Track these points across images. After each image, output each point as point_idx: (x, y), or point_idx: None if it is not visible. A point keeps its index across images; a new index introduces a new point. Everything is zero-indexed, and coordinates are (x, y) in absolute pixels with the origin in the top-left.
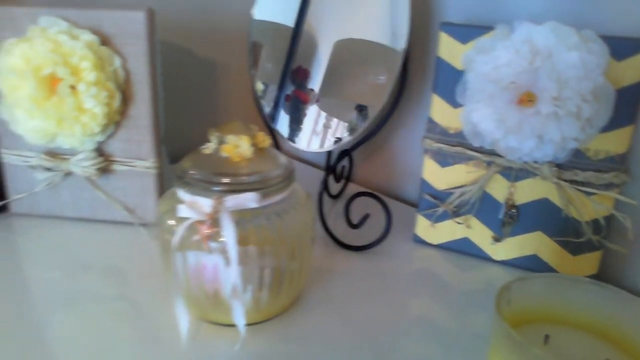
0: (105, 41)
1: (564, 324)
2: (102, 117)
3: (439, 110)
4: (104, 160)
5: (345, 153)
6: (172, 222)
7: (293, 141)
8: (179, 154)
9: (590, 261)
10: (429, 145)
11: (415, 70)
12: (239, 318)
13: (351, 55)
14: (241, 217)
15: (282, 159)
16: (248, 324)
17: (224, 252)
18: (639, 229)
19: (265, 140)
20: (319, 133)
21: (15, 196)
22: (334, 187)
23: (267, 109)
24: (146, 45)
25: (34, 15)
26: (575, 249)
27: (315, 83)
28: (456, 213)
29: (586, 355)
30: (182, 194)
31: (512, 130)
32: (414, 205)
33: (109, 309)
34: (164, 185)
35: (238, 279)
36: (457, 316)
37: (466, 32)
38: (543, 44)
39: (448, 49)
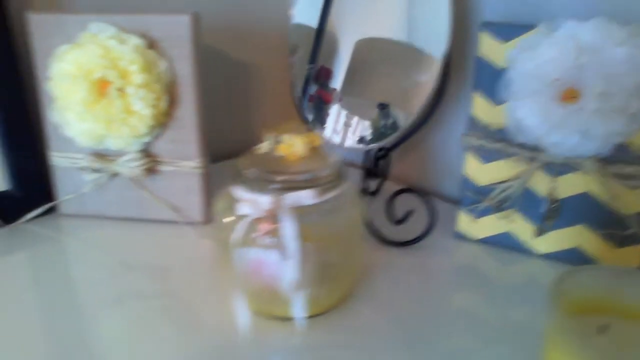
0: (151, 45)
1: (618, 315)
2: (149, 119)
3: (481, 108)
4: (151, 160)
5: (385, 151)
6: (229, 219)
7: (333, 140)
8: (216, 154)
9: (634, 253)
10: (470, 142)
11: (453, 70)
12: (299, 311)
13: (380, 55)
14: (296, 214)
15: (334, 157)
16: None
17: (281, 247)
18: None
19: (317, 139)
20: (349, 130)
21: (63, 197)
22: (370, 184)
23: (307, 109)
24: (191, 48)
25: (84, 22)
26: (619, 241)
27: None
28: (499, 208)
29: None
30: (240, 192)
31: (556, 126)
32: (450, 201)
33: (157, 306)
34: (208, 184)
35: (297, 273)
36: (500, 310)
37: (508, 30)
38: (588, 40)
39: (489, 48)
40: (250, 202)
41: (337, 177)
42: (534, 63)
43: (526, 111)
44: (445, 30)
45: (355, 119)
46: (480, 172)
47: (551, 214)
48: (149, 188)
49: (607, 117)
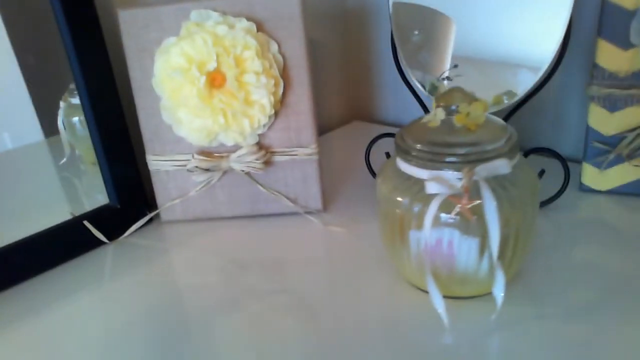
0: (259, 27)
1: None
2: (269, 108)
3: (607, 55)
4: (266, 152)
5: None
6: (400, 199)
7: None
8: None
9: None
10: (596, 91)
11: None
12: (499, 289)
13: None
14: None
15: (504, 124)
16: (481, 295)
17: (459, 225)
18: None
19: (486, 105)
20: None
21: (167, 204)
22: None
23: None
24: (301, 27)
25: (183, 11)
26: None
27: None
28: (630, 156)
29: None
30: (415, 170)
31: None
32: (569, 158)
33: (277, 304)
34: (322, 169)
35: (496, 249)
36: (630, 261)
37: None
38: None
39: None
40: (438, 180)
41: (515, 145)
42: None
43: None
44: None
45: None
46: (608, 121)
47: None
48: (262, 181)
49: None
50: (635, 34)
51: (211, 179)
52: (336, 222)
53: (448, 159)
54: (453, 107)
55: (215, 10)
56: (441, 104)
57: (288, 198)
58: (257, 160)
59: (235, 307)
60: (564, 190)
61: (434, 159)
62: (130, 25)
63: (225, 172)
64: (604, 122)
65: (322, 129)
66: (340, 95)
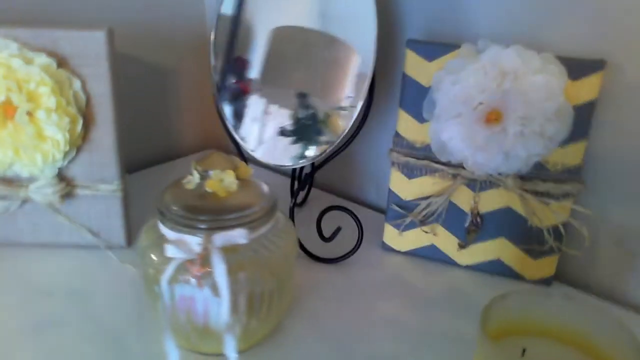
0: (61, 63)
1: (540, 336)
2: (64, 144)
3: (406, 125)
4: (66, 185)
5: (315, 169)
6: (155, 257)
7: (254, 152)
8: (133, 163)
9: (548, 264)
10: (396, 158)
11: (385, 85)
12: (230, 349)
13: (299, 44)
14: (230, 253)
15: (264, 188)
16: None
17: (213, 286)
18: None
19: (247, 171)
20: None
21: None
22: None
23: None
24: (107, 66)
25: None
26: (535, 254)
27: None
28: (423, 222)
29: None
30: (166, 231)
31: (480, 148)
32: (376, 209)
33: (78, 333)
34: (128, 206)
35: (229, 313)
36: (425, 318)
37: (431, 49)
38: (510, 66)
39: (414, 66)
40: (179, 244)
41: (270, 211)
42: (459, 87)
43: (451, 133)
44: (372, 47)
45: (275, 108)
46: (405, 187)
47: (473, 228)
48: (65, 213)
49: (528, 140)
50: (426, 111)
51: (10, 207)
52: (135, 260)
53: (190, 224)
54: (210, 172)
55: (16, 40)
56: (198, 167)
57: (91, 232)
58: (55, 193)
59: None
60: (357, 249)
61: (178, 222)
62: None
63: (25, 201)
64: (403, 187)
65: (173, 155)
66: (194, 124)
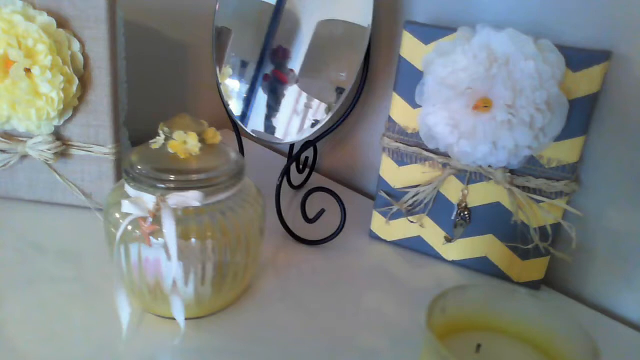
0: (62, 24)
1: (497, 332)
2: (58, 102)
3: (399, 110)
4: (62, 144)
5: (309, 144)
6: (118, 215)
7: (264, 129)
8: (143, 137)
9: (537, 266)
10: (387, 143)
11: (382, 67)
12: (179, 313)
13: (332, 36)
14: (185, 215)
15: (233, 155)
16: (190, 318)
17: (165, 247)
18: (584, 239)
19: (215, 136)
20: (299, 113)
21: None
22: (298, 177)
23: (229, 99)
24: (107, 30)
25: None
26: (524, 254)
27: (296, 63)
28: (410, 212)
29: None
30: (128, 188)
31: (465, 135)
32: (374, 199)
33: (63, 290)
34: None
35: (178, 275)
36: (406, 312)
37: (429, 32)
38: (501, 51)
39: (410, 48)
40: (135, 201)
41: (234, 177)
42: (448, 70)
43: (437, 118)
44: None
45: (316, 102)
46: (395, 174)
47: (461, 221)
48: (61, 172)
49: (515, 130)
50: (418, 95)
51: (9, 160)
52: None
53: (148, 183)
54: (173, 134)
55: None
56: (165, 128)
57: (83, 193)
58: (49, 150)
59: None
60: (339, 232)
61: (138, 181)
62: None
63: (25, 157)
64: (392, 174)
65: None
66: (211, 101)
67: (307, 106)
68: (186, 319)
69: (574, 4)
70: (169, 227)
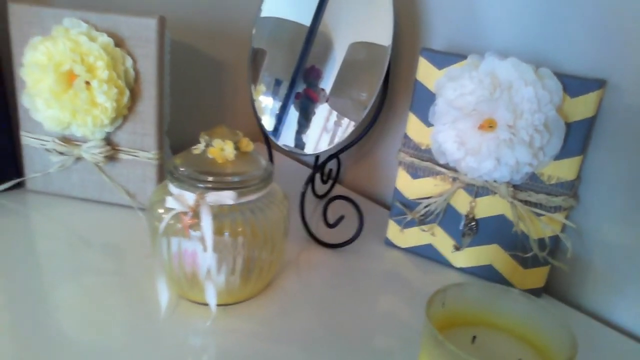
0: (119, 43)
1: (492, 328)
2: (111, 111)
3: (414, 128)
4: (111, 149)
5: (332, 156)
6: (161, 210)
7: (294, 144)
8: (183, 146)
9: (538, 275)
10: (403, 158)
11: (402, 89)
12: (211, 298)
13: (360, 58)
14: (220, 212)
15: (263, 162)
16: (220, 305)
17: (202, 240)
18: (582, 251)
19: (248, 145)
20: (328, 130)
21: (31, 175)
22: (322, 188)
23: (262, 115)
24: (155, 49)
25: (59, 16)
26: (525, 263)
27: (327, 83)
28: (422, 221)
29: (504, 354)
30: (171, 187)
31: (471, 152)
32: (390, 208)
33: (106, 281)
34: (163, 174)
35: (212, 263)
36: (417, 314)
37: (442, 59)
38: (504, 77)
39: (425, 72)
40: (178, 198)
41: (263, 181)
42: (457, 93)
43: (446, 136)
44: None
45: (345, 120)
46: (410, 186)
47: (469, 231)
48: (109, 173)
49: (515, 148)
50: (431, 115)
51: (65, 162)
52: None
53: (190, 182)
54: (213, 142)
55: (87, 21)
56: (205, 137)
57: (128, 193)
58: (100, 153)
59: (74, 278)
60: (357, 237)
61: (181, 180)
62: (17, 18)
63: (79, 159)
64: (407, 186)
65: None
66: (248, 115)
67: (337, 124)
68: (217, 304)
69: (573, 36)
70: (206, 221)
